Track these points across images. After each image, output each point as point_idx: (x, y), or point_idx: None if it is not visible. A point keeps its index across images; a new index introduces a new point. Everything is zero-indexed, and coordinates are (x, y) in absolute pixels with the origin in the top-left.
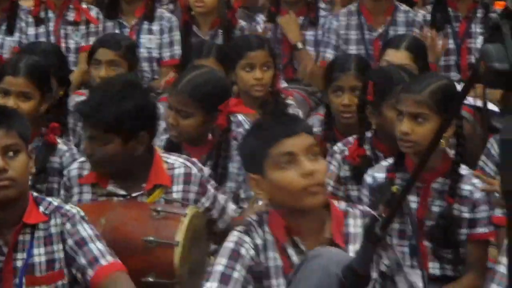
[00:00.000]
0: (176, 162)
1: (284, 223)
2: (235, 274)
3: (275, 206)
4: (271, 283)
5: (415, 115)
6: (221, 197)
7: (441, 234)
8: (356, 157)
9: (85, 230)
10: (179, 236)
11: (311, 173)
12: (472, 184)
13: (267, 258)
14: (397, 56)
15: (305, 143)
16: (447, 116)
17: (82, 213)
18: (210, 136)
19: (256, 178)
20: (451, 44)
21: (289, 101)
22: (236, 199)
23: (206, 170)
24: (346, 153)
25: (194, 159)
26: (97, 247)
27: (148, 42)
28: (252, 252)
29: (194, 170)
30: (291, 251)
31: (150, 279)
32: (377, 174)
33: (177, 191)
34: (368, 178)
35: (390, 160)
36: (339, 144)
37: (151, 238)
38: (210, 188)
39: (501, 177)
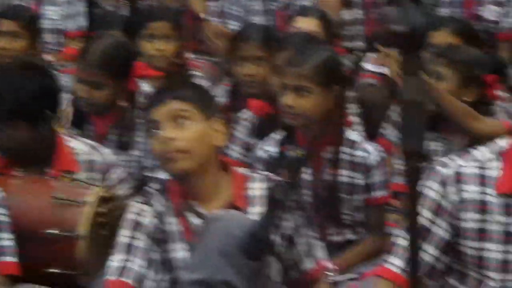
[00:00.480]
0: (79, 147)
1: (179, 188)
2: (138, 243)
3: None
4: (171, 247)
5: (298, 88)
6: (123, 187)
7: (338, 203)
8: (261, 111)
9: (1, 214)
10: (82, 228)
11: (167, 140)
12: (364, 150)
13: (167, 223)
14: (307, 23)
15: (169, 110)
16: (341, 86)
17: (2, 194)
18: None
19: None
20: (358, 14)
21: (196, 72)
22: (141, 168)
23: (110, 157)
24: (254, 119)
25: (97, 145)
26: (6, 240)
27: (52, 13)
28: (152, 219)
29: (97, 157)
30: (189, 215)
31: (54, 270)
32: (268, 147)
33: None
34: (259, 152)
35: (282, 133)
36: (246, 111)
37: (53, 231)
38: (111, 175)
39: (401, 139)
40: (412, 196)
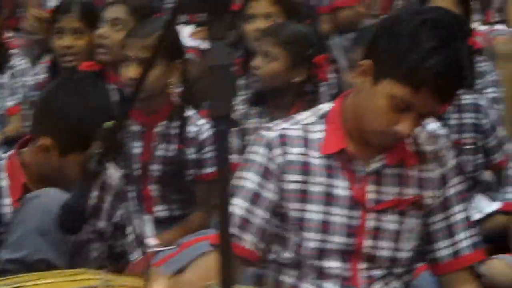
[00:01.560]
0: None
1: (21, 170)
2: None
3: None
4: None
5: (142, 60)
6: None
7: (170, 178)
8: (89, 68)
9: None
10: None
11: None
12: (197, 125)
13: (1, 205)
14: None
15: None
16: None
17: None
18: None
19: None
20: None
21: (14, 51)
22: None
23: None
24: None
25: None
26: None
27: None
28: None
29: None
30: None
31: None
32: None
33: None
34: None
35: None
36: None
37: None
38: None
39: (210, 103)
40: (221, 160)
